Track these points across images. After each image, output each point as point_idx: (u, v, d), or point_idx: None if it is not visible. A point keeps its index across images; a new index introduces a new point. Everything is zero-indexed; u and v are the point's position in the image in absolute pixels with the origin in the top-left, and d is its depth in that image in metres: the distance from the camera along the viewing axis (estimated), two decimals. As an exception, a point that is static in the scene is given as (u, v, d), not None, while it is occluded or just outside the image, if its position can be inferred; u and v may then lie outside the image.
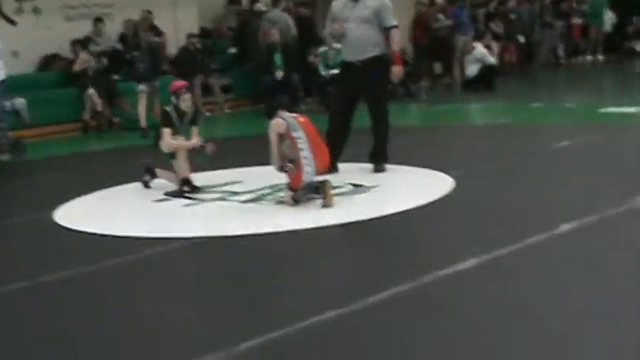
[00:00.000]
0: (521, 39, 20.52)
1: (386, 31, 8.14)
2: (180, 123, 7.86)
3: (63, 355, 4.11)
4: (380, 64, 8.10)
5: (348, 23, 8.13)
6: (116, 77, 14.15)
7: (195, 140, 7.87)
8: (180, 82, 8.05)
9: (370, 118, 8.32)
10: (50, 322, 4.62)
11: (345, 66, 8.42)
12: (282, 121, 6.96)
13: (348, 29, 8.13)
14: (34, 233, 6.84)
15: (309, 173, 6.89)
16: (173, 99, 7.87)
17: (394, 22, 8.23)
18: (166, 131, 7.78)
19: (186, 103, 7.84)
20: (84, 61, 13.59)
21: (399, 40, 8.22)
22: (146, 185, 8.12)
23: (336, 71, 14.26)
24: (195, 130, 8.00)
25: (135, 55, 13.50)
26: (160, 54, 14.24)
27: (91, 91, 13.31)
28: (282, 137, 6.98)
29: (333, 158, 8.14)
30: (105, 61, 13.99)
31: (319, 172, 7.01)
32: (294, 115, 7.14)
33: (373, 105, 8.30)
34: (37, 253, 6.24)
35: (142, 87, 12.99)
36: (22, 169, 10.52)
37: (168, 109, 7.86)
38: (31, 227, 7.02)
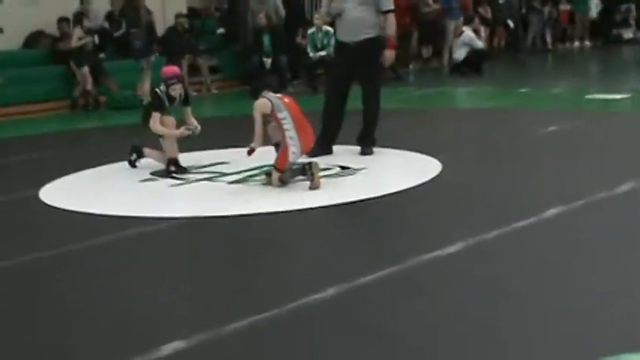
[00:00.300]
0: (511, 24, 20.55)
1: (382, 14, 8.13)
2: (171, 105, 7.83)
3: (49, 333, 4.10)
4: (375, 46, 8.08)
5: (347, 3, 8.11)
6: (102, 56, 14.09)
7: (182, 129, 7.78)
8: (170, 71, 7.90)
9: (362, 100, 8.32)
10: (36, 300, 4.61)
11: (340, 47, 8.42)
12: (266, 101, 6.94)
13: (346, 9, 8.12)
14: (20, 211, 6.81)
15: (295, 154, 6.88)
16: (163, 86, 7.82)
17: (391, 6, 8.23)
18: (155, 115, 7.72)
19: (175, 92, 7.79)
20: (79, 37, 13.50)
21: (394, 24, 8.20)
22: (132, 164, 8.10)
23: (323, 53, 14.29)
24: (188, 110, 7.98)
25: (133, 32, 13.51)
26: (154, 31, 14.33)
27: (86, 68, 13.27)
28: (266, 118, 6.96)
29: (329, 139, 8.20)
30: (96, 38, 13.93)
31: (304, 152, 7.01)
32: (279, 95, 7.12)
33: (366, 87, 8.30)
34: (22, 231, 6.21)
35: (143, 64, 13.16)
36: (7, 146, 10.45)
37: (159, 91, 7.81)
38: (16, 205, 6.98)
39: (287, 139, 6.85)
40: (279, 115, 6.87)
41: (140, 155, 8.07)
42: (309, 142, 7.05)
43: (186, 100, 7.94)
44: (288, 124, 6.86)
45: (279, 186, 6.87)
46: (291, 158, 6.86)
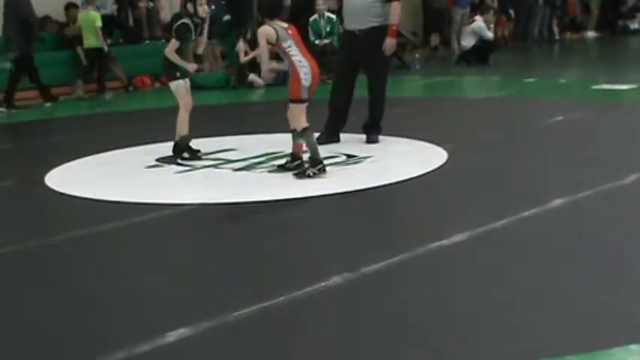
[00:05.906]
0: (512, 13, 20.52)
1: (387, 3, 8.09)
2: (196, 34, 7.65)
3: (55, 319, 4.11)
4: (381, 34, 8.05)
5: None
6: (109, 41, 14.06)
7: (194, 64, 7.67)
8: None
9: (368, 89, 8.31)
10: (42, 286, 4.61)
11: (346, 35, 8.42)
12: (271, 29, 6.86)
13: None
14: (25, 197, 6.82)
15: (307, 74, 6.81)
16: (190, 6, 7.62)
17: None
18: (174, 42, 7.52)
19: (203, 7, 7.62)
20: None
21: (399, 14, 8.15)
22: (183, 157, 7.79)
23: (327, 42, 14.23)
24: (200, 39, 7.82)
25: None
26: None
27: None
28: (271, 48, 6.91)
29: (337, 128, 8.20)
30: None
31: (315, 76, 6.89)
32: (285, 25, 6.97)
33: (372, 75, 8.29)
34: (27, 216, 6.22)
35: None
36: (14, 131, 10.46)
37: (186, 21, 7.59)
38: (22, 190, 6.99)
39: (296, 64, 6.80)
40: (284, 45, 6.83)
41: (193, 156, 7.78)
42: (316, 66, 6.97)
43: (201, 30, 7.74)
44: (294, 50, 6.83)
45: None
46: (304, 82, 6.80)
